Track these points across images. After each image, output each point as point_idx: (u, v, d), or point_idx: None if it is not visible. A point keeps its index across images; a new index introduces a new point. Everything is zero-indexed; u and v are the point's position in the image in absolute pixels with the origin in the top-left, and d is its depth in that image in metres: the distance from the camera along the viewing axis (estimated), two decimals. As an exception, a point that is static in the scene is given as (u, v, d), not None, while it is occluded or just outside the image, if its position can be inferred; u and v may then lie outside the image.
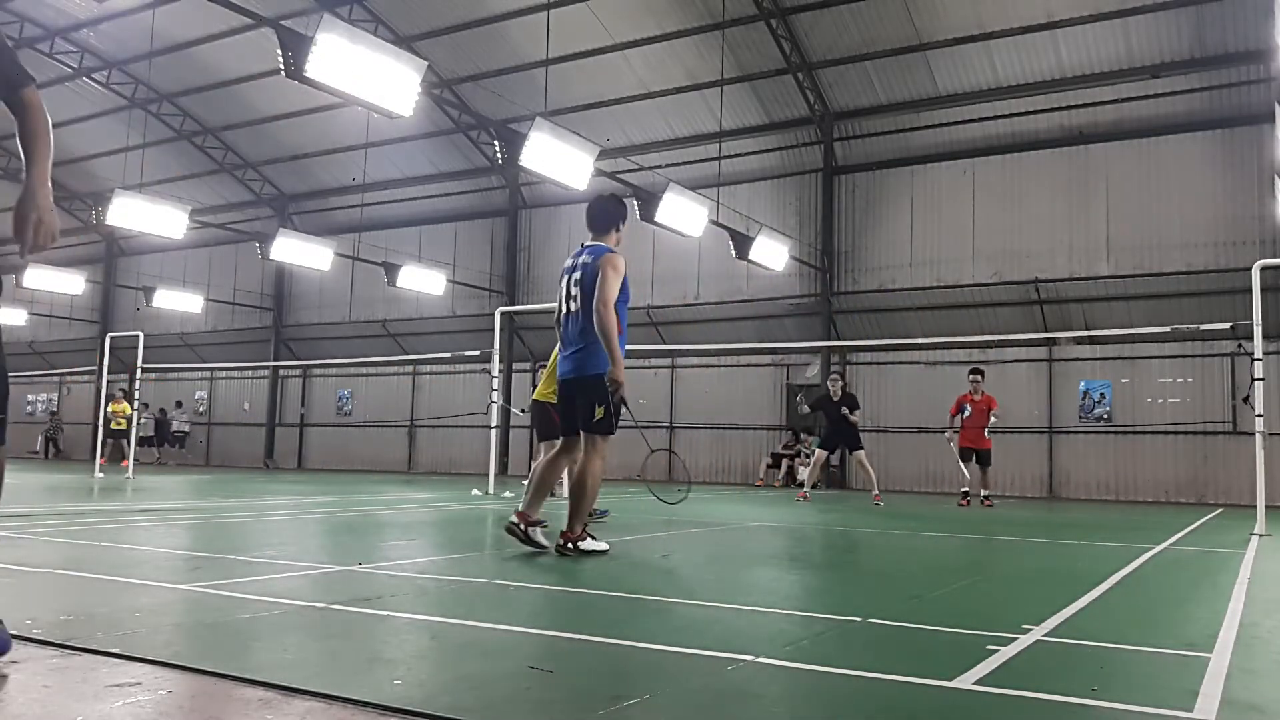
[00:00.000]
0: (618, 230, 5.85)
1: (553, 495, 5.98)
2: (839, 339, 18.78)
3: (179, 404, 28.14)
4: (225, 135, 24.80)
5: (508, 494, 12.42)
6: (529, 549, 5.59)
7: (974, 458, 12.81)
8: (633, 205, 14.72)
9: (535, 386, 10.29)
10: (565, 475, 5.73)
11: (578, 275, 5.52)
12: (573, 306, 5.50)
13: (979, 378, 12.90)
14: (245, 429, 27.50)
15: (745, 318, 19.94)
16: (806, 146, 19.48)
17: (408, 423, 24.09)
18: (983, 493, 12.87)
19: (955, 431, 13.05)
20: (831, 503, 13.21)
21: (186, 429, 27.72)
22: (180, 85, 23.06)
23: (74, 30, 21.87)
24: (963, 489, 13.01)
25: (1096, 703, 2.43)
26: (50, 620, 3.17)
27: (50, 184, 2.56)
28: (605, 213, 5.82)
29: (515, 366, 21.68)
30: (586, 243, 5.79)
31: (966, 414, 12.76)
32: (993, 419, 12.73)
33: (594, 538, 5.60)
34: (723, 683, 2.58)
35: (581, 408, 5.51)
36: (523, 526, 5.57)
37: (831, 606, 4.13)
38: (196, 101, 23.75)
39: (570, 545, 5.43)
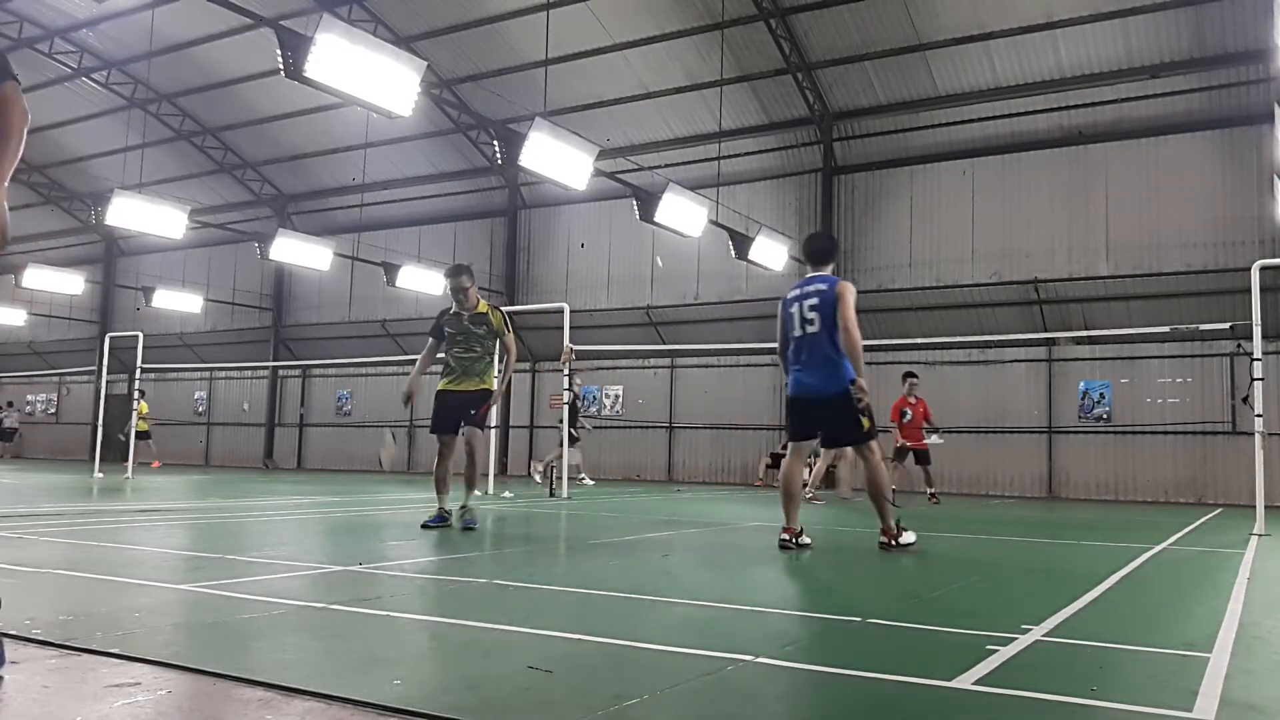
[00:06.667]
0: (835, 261, 6.66)
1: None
2: (838, 339, 18.76)
3: (10, 403, 30.06)
4: (224, 135, 24.79)
5: (507, 494, 12.43)
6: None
7: (913, 457, 13.34)
8: (632, 205, 14.75)
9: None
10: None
11: (814, 302, 6.10)
12: (810, 330, 6.10)
13: (915, 380, 13.45)
14: (244, 429, 27.50)
15: (745, 318, 19.92)
16: (806, 146, 19.48)
17: (407, 423, 24.07)
18: (928, 490, 13.31)
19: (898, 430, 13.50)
20: (830, 503, 13.21)
21: (16, 426, 29.71)
22: (179, 85, 23.05)
23: (73, 30, 21.85)
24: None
25: (1096, 703, 2.43)
26: (50, 620, 3.17)
27: (6, 185, 2.39)
28: (825, 249, 6.62)
29: (515, 366, 21.64)
30: (810, 274, 6.40)
31: (907, 418, 13.30)
32: (925, 422, 13.35)
33: (906, 529, 6.29)
34: (723, 683, 2.58)
35: (836, 421, 6.15)
36: (793, 540, 6.18)
37: (831, 606, 4.13)
38: (196, 101, 23.74)
39: (892, 542, 6.18)
